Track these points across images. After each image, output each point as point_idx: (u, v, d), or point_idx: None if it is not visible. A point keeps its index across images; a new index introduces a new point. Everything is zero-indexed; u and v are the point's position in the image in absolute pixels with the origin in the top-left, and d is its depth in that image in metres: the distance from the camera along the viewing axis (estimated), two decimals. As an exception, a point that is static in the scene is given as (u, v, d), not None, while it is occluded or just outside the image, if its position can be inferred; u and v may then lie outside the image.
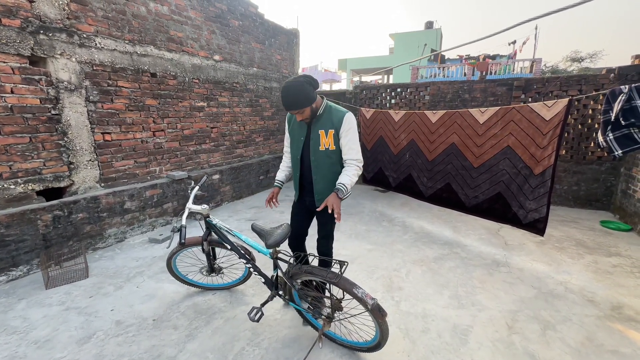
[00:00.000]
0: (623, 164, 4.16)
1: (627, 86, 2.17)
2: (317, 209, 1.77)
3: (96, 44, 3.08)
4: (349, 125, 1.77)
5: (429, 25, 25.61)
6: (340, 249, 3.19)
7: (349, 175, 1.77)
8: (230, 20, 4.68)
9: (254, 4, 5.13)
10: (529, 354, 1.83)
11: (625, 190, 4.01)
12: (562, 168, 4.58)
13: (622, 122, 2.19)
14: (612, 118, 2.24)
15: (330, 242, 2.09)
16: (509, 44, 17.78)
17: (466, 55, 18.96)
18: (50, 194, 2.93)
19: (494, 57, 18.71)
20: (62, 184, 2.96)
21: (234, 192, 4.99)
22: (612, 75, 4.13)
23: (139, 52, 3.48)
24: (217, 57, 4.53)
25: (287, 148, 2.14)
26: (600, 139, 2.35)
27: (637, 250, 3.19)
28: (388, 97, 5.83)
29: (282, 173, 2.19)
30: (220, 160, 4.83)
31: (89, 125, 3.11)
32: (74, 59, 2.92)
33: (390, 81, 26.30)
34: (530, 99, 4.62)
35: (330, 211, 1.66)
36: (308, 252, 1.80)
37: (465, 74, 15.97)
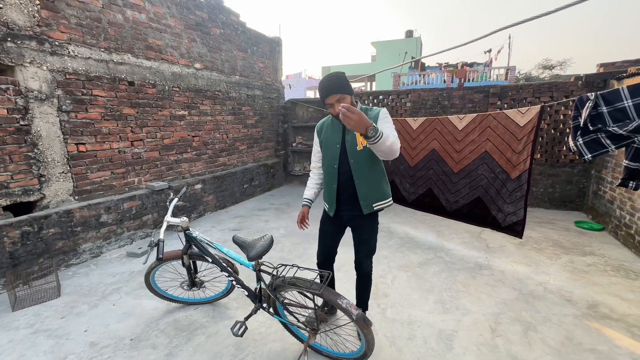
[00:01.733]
0: (593, 166, 4.37)
1: (593, 93, 2.28)
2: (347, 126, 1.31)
3: (69, 52, 2.98)
4: (386, 116, 1.67)
5: (409, 34, 26.36)
6: (325, 257, 3.17)
7: (388, 133, 1.44)
8: (211, 28, 4.64)
9: (236, 12, 5.12)
10: (512, 356, 1.86)
11: (596, 192, 4.21)
12: (537, 171, 4.76)
13: (590, 127, 2.29)
14: (581, 124, 2.34)
15: (371, 259, 1.95)
16: (485, 52, 18.53)
17: (445, 63, 19.60)
18: (19, 208, 2.77)
19: (471, 65, 19.43)
20: (31, 198, 2.80)
21: (217, 201, 4.89)
22: (580, 82, 4.36)
23: (115, 60, 3.38)
24: (198, 65, 4.47)
25: (315, 164, 2.01)
26: (571, 143, 2.46)
27: (609, 249, 3.34)
28: (370, 105, 5.91)
29: (310, 191, 2.03)
30: (203, 169, 4.74)
31: (62, 136, 2.98)
32: (44, 68, 2.81)
33: (373, 88, 26.80)
34: (505, 105, 4.80)
35: (347, 111, 1.24)
36: (292, 263, 1.75)
37: (444, 81, 16.49)
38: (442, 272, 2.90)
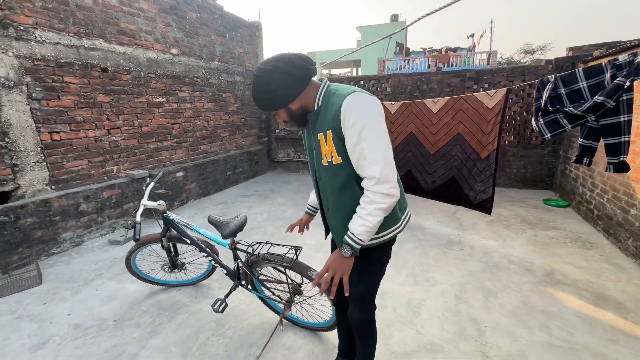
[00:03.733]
0: (561, 147, 4.60)
1: (553, 76, 2.41)
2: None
3: (36, 37, 2.88)
4: (355, 116, 0.99)
5: (394, 18, 26.14)
6: (306, 239, 3.27)
7: (361, 216, 1.05)
8: (186, 12, 4.53)
9: (212, -5, 4.99)
10: (472, 319, 2.03)
11: (564, 171, 4.45)
12: (510, 153, 4.97)
13: (550, 108, 2.43)
14: (542, 105, 2.48)
15: (363, 309, 1.33)
16: (468, 37, 18.64)
17: (429, 48, 19.65)
18: (-7, 199, 2.74)
19: (455, 50, 19.54)
20: (6, 188, 2.77)
21: (200, 189, 4.90)
22: (550, 66, 4.53)
23: (86, 46, 3.29)
24: (174, 51, 4.38)
25: None
26: (533, 123, 2.60)
27: (571, 223, 3.58)
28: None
29: (313, 195, 1.59)
30: (184, 157, 4.72)
31: (34, 125, 2.92)
32: (10, 54, 2.72)
33: (359, 73, 26.66)
34: (481, 89, 4.94)
35: (328, 283, 1.10)
36: (265, 241, 1.81)
37: (429, 66, 16.57)
38: (415, 249, 3.06)
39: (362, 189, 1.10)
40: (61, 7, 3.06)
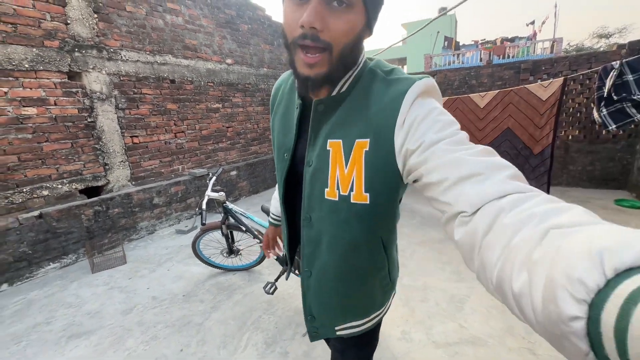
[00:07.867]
0: (638, 140, 4.07)
1: (618, 62, 2.22)
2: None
3: (122, 56, 3.44)
4: (427, 106, 0.54)
5: (442, 11, 24.98)
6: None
7: (603, 222, 0.30)
8: (239, 24, 4.96)
9: (262, 7, 5.38)
10: (520, 318, 1.97)
11: (641, 168, 3.94)
12: (575, 148, 4.53)
13: (615, 97, 2.24)
14: (605, 94, 2.30)
15: None
16: (527, 25, 17.08)
17: (482, 40, 18.42)
18: (90, 192, 3.33)
19: (512, 40, 18.04)
20: (99, 183, 3.35)
21: (250, 187, 5.30)
22: (624, 50, 4.05)
23: (158, 61, 3.82)
24: (229, 61, 4.83)
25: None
26: (595, 115, 2.42)
27: (649, 226, 3.18)
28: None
29: (276, 202, 1.06)
30: (237, 157, 5.15)
31: (119, 130, 3.49)
32: (104, 72, 3.30)
33: (405, 71, 25.90)
34: (539, 81, 4.59)
35: None
36: None
37: (481, 59, 15.54)
38: (461, 247, 2.99)
39: (386, 249, 0.71)
40: (140, 30, 3.61)
